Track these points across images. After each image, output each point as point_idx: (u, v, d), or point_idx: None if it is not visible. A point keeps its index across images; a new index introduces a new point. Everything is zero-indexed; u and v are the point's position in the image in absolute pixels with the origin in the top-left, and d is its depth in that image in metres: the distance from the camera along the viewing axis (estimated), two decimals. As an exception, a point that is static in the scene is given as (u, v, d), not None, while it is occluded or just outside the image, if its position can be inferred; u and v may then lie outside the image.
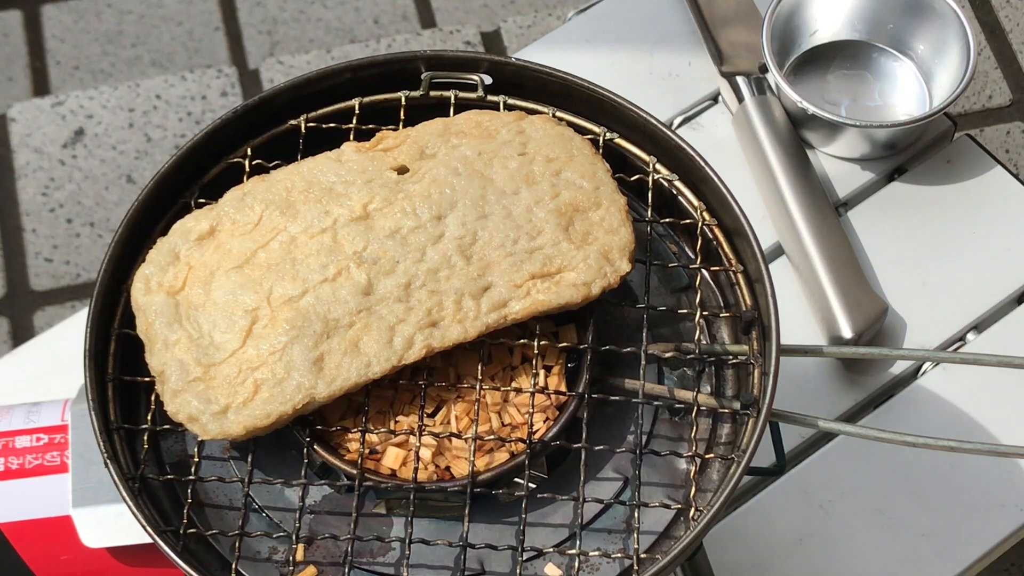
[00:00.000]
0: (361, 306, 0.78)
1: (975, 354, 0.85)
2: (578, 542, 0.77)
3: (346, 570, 0.77)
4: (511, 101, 0.89)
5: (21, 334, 1.49)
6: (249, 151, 0.87)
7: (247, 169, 0.86)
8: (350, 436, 0.79)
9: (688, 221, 0.86)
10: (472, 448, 0.78)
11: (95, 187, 1.55)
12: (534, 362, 0.80)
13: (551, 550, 0.79)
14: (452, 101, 0.89)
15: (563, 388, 0.81)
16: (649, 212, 0.86)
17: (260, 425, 0.76)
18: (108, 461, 0.78)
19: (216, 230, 0.81)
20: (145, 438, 0.81)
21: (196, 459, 0.80)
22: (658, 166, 0.87)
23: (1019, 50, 1.61)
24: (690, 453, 0.79)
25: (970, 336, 1.15)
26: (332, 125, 0.88)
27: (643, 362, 0.80)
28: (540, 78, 0.88)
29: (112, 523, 0.92)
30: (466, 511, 0.77)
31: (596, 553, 0.77)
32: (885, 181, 1.22)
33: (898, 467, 1.10)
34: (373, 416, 0.80)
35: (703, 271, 0.84)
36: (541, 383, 0.80)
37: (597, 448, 0.79)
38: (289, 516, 0.81)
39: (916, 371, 1.14)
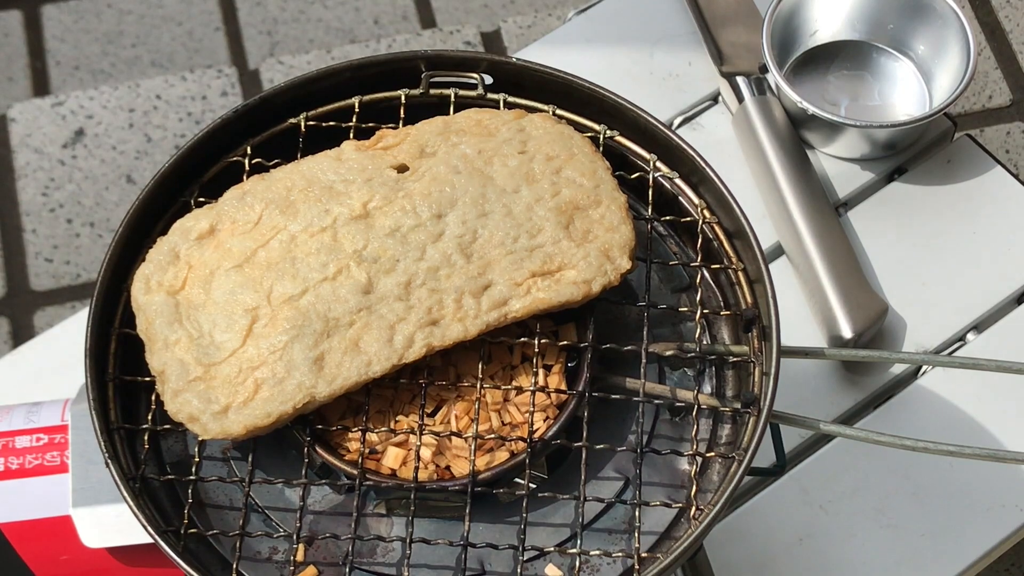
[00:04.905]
0: (361, 305, 0.78)
1: (974, 359, 0.85)
2: (579, 542, 0.77)
3: (347, 570, 0.77)
4: (511, 99, 0.89)
5: (21, 334, 1.49)
6: (249, 150, 0.87)
7: (247, 168, 0.86)
8: (350, 436, 0.79)
9: (688, 219, 0.86)
10: (472, 447, 0.78)
11: (95, 187, 1.55)
12: (534, 361, 0.80)
13: (552, 550, 0.79)
14: (452, 99, 0.89)
15: (563, 387, 0.81)
16: (649, 210, 0.86)
17: (260, 424, 0.76)
18: (109, 461, 0.78)
19: (216, 229, 0.81)
20: (145, 438, 0.81)
21: (197, 459, 0.80)
22: (658, 164, 0.87)
23: (1019, 50, 1.61)
24: (691, 452, 0.79)
25: (970, 336, 1.15)
26: (332, 124, 0.88)
27: (643, 361, 0.80)
28: (540, 77, 0.88)
29: (112, 523, 0.92)
30: (467, 510, 0.77)
31: (597, 553, 0.77)
32: (885, 181, 1.22)
33: (898, 467, 1.10)
34: (373, 416, 0.80)
35: (703, 270, 0.84)
36: (541, 382, 0.80)
37: (598, 447, 0.79)
38: (290, 516, 0.81)
39: (916, 371, 1.14)
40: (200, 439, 0.78)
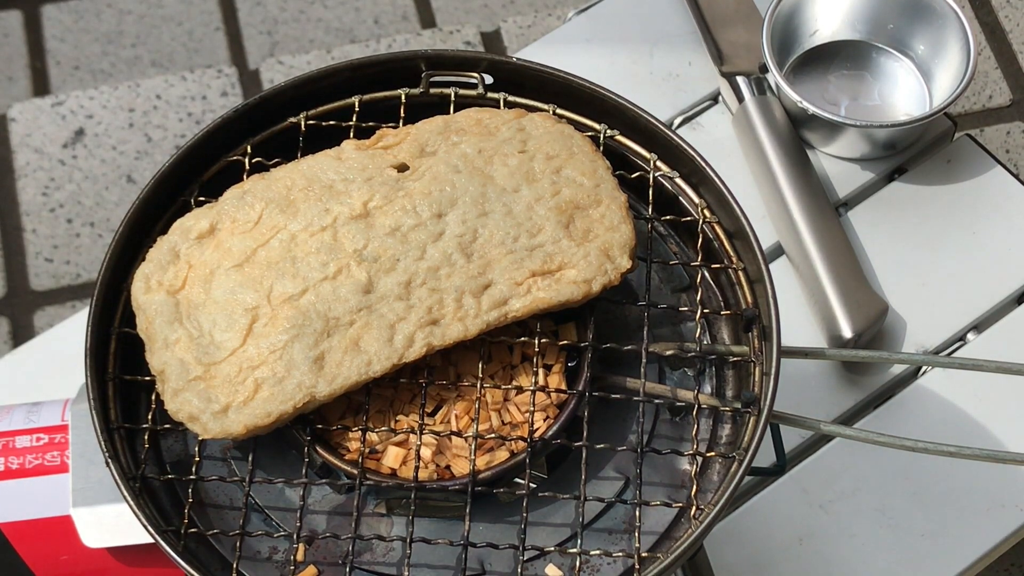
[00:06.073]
0: (361, 304, 0.78)
1: (974, 359, 0.85)
2: (579, 542, 0.77)
3: (347, 570, 0.77)
4: (511, 99, 0.89)
5: (21, 334, 1.49)
6: (249, 149, 0.87)
7: (247, 167, 0.86)
8: (350, 435, 0.79)
9: (688, 219, 0.86)
10: (473, 447, 0.78)
11: (95, 187, 1.55)
12: (534, 360, 0.80)
13: (553, 549, 0.79)
14: (452, 99, 0.89)
15: (563, 386, 0.80)
16: (650, 210, 0.86)
17: (261, 424, 0.76)
18: (109, 460, 0.78)
19: (216, 228, 0.81)
20: (146, 437, 0.81)
21: (197, 458, 0.80)
22: (659, 163, 0.87)
23: (1019, 50, 1.61)
24: (691, 452, 0.79)
25: (970, 336, 1.15)
26: (332, 123, 0.88)
27: (644, 360, 0.80)
28: (540, 77, 0.88)
29: (112, 523, 0.92)
30: (467, 510, 0.77)
31: (597, 553, 0.77)
32: (885, 181, 1.22)
33: (898, 467, 1.10)
34: (373, 415, 0.80)
35: (704, 270, 0.84)
36: (541, 381, 0.80)
37: (598, 447, 0.79)
38: (290, 516, 0.81)
39: (916, 371, 1.14)
40: (200, 438, 0.78)
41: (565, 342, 0.81)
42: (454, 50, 0.89)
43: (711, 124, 1.25)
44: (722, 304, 0.87)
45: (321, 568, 0.79)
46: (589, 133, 0.87)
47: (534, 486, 0.80)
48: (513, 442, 0.79)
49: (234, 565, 0.77)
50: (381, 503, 0.81)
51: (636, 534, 0.77)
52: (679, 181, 0.87)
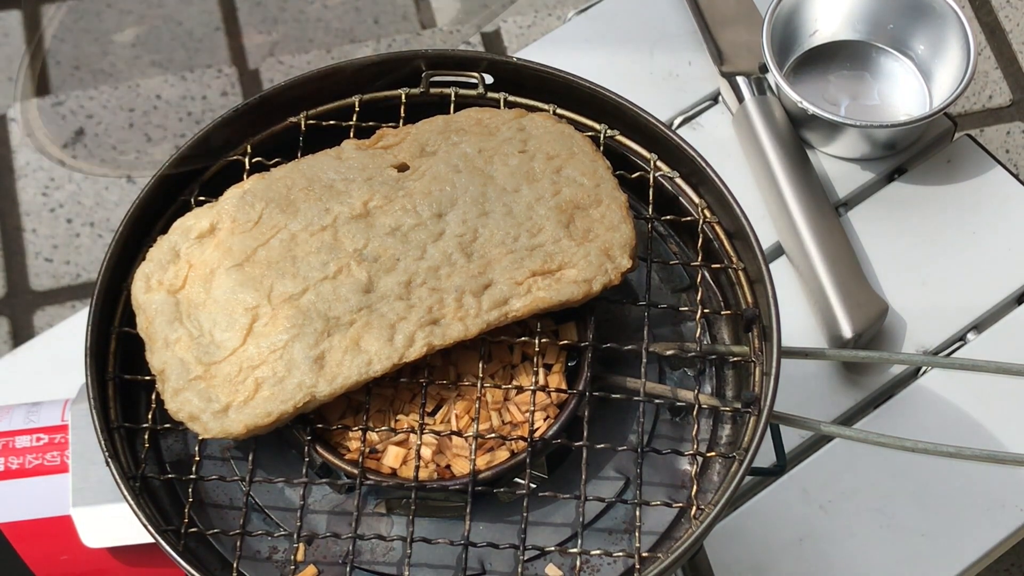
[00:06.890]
0: (362, 304, 0.78)
1: (974, 360, 0.85)
2: (579, 542, 0.77)
3: (347, 570, 0.77)
4: (511, 98, 0.89)
5: (21, 334, 1.49)
6: (249, 149, 0.87)
7: (247, 167, 0.86)
8: (350, 435, 0.79)
9: (689, 219, 0.86)
10: (473, 446, 0.78)
11: (95, 187, 1.55)
12: (535, 360, 0.80)
13: (553, 549, 0.79)
14: (452, 99, 0.89)
15: (564, 386, 0.80)
16: (650, 210, 0.86)
17: (261, 424, 0.76)
18: (109, 460, 0.78)
19: (216, 228, 0.81)
20: (146, 437, 0.81)
21: (197, 458, 0.80)
22: (659, 163, 0.87)
23: (1019, 50, 1.61)
24: (691, 452, 0.79)
25: (970, 336, 1.15)
26: (332, 123, 0.88)
27: (644, 360, 0.80)
28: (540, 77, 0.88)
29: (112, 523, 0.92)
30: (467, 510, 0.77)
31: (597, 552, 0.77)
32: (885, 181, 1.22)
33: (898, 467, 1.10)
34: (373, 415, 0.80)
35: (704, 270, 0.84)
36: (542, 381, 0.80)
37: (598, 447, 0.79)
38: (290, 515, 0.81)
39: (916, 371, 1.14)
40: (200, 438, 0.78)
41: (565, 342, 0.81)
42: (454, 50, 0.89)
43: (711, 124, 1.25)
44: (722, 304, 0.87)
45: (321, 568, 0.79)
46: (589, 133, 0.87)
47: (534, 486, 0.80)
48: (513, 442, 0.79)
49: (234, 565, 0.77)
50: (381, 503, 0.81)
51: (636, 534, 0.77)
52: (679, 181, 0.87)
